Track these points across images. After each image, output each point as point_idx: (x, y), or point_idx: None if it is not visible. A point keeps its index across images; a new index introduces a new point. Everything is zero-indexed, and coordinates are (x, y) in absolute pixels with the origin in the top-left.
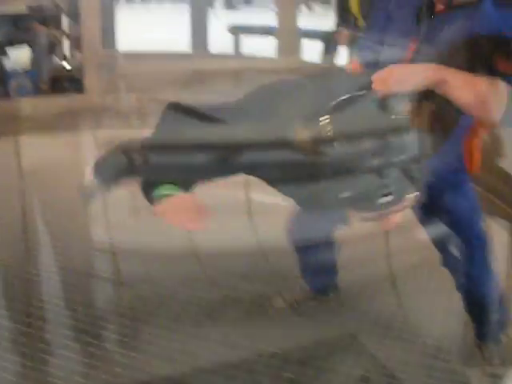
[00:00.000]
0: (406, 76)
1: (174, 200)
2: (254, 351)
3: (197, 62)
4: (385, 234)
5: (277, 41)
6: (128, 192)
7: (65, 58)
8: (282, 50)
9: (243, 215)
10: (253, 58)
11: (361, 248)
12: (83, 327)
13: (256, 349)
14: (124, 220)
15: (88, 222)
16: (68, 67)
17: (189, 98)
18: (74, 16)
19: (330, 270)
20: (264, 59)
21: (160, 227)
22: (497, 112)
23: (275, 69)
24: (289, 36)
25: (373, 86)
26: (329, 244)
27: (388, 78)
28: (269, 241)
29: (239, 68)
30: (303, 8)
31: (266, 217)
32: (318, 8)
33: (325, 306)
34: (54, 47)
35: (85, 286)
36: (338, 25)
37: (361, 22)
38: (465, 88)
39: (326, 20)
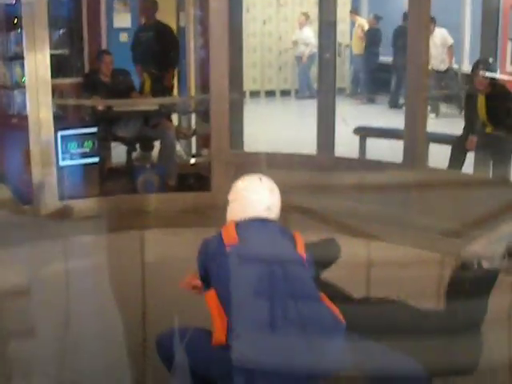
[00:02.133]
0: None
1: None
2: None
3: (322, 171)
4: None
5: (404, 145)
6: None
7: (192, 156)
8: (409, 154)
9: None
10: (377, 164)
11: None
12: None
13: None
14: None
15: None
16: (192, 162)
17: (314, 202)
18: (203, 114)
19: None
20: (389, 166)
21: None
22: None
23: (401, 179)
24: (417, 141)
25: None
26: None
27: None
28: None
29: (364, 178)
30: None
31: None
32: (443, 109)
33: None
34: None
35: None
36: (467, 130)
37: (489, 129)
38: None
39: (452, 122)
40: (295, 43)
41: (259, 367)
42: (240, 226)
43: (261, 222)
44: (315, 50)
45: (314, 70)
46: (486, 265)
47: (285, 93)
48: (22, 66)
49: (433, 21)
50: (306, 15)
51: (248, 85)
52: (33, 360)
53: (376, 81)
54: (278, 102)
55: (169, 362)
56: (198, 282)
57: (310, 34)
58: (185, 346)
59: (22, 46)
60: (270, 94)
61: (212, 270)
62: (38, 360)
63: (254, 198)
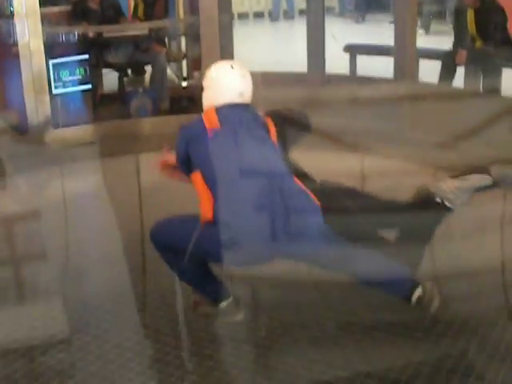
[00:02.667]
0: None
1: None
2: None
3: (313, 87)
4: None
5: (394, 61)
6: None
7: (183, 79)
8: (399, 70)
9: None
10: (368, 80)
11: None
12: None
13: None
14: None
15: None
16: (184, 85)
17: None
18: (193, 37)
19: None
20: (380, 82)
21: None
22: None
23: (392, 93)
24: (407, 56)
25: None
26: None
27: None
28: None
29: (356, 93)
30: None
31: None
32: (434, 26)
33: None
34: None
35: None
36: (456, 45)
37: (479, 43)
38: None
39: (442, 38)
40: None
41: (243, 238)
42: (219, 111)
43: (237, 107)
44: None
45: None
46: (447, 204)
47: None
48: None
49: None
50: None
51: (236, 7)
52: (42, 279)
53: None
54: (266, 24)
55: (163, 250)
56: (172, 160)
57: None
58: (176, 230)
59: None
60: (259, 15)
61: (195, 153)
62: (46, 279)
63: (227, 84)
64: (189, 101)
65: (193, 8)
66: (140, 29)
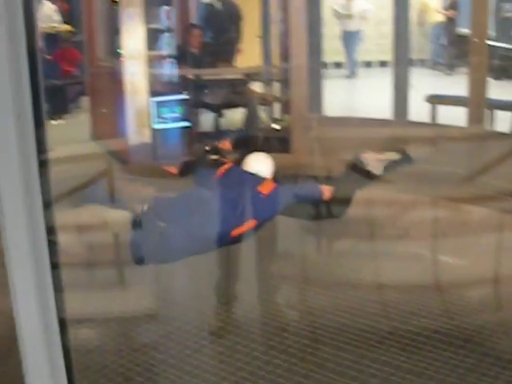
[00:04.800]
0: None
1: None
2: None
3: (394, 129)
4: None
5: (468, 110)
6: None
7: (274, 120)
8: (472, 119)
9: None
10: (445, 127)
11: None
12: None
13: None
14: None
15: None
16: (277, 127)
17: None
18: (285, 82)
19: None
20: (455, 128)
21: None
22: None
23: (464, 137)
24: (477, 107)
25: None
26: None
27: None
28: None
29: (433, 135)
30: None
31: None
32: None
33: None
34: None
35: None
36: None
37: None
38: None
39: None
40: (349, 16)
41: None
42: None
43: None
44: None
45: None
46: (368, 169)
47: (367, 64)
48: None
49: None
50: None
51: (332, 56)
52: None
53: (454, 52)
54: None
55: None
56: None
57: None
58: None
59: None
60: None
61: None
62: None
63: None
64: (279, 141)
65: (286, 55)
66: (236, 73)
